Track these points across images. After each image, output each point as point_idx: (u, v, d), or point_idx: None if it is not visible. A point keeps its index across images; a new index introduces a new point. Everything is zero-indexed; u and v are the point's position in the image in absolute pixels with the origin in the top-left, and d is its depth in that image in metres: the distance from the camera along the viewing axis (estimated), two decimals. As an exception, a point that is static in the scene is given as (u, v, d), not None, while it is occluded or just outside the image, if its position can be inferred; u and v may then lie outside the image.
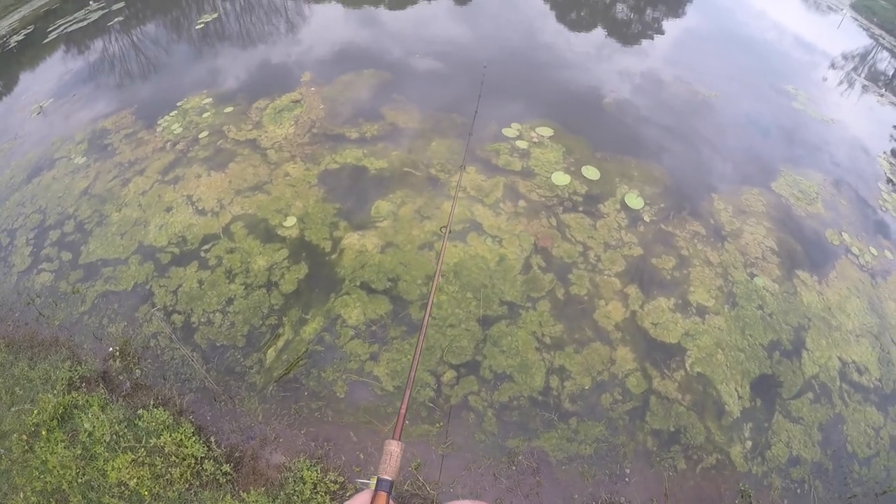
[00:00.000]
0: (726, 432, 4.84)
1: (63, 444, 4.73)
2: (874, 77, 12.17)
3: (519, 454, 4.57)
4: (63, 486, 4.51)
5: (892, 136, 9.64)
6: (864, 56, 13.22)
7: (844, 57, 12.55)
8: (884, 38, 14.67)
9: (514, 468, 4.51)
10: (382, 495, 1.26)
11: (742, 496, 4.56)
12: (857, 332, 5.80)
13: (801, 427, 5.01)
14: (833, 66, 11.70)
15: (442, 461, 4.51)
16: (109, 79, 9.55)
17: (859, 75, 11.81)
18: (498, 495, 4.37)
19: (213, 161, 6.81)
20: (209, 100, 7.94)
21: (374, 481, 1.33)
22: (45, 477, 4.58)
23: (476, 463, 4.52)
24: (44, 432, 4.79)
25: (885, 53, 13.94)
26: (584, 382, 4.93)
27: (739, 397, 5.05)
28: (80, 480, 4.53)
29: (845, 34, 14.32)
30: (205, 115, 7.62)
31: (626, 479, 4.55)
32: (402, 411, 1.62)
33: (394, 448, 1.41)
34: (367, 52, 8.85)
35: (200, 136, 7.24)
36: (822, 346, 5.54)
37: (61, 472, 4.56)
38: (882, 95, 11.01)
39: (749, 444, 4.83)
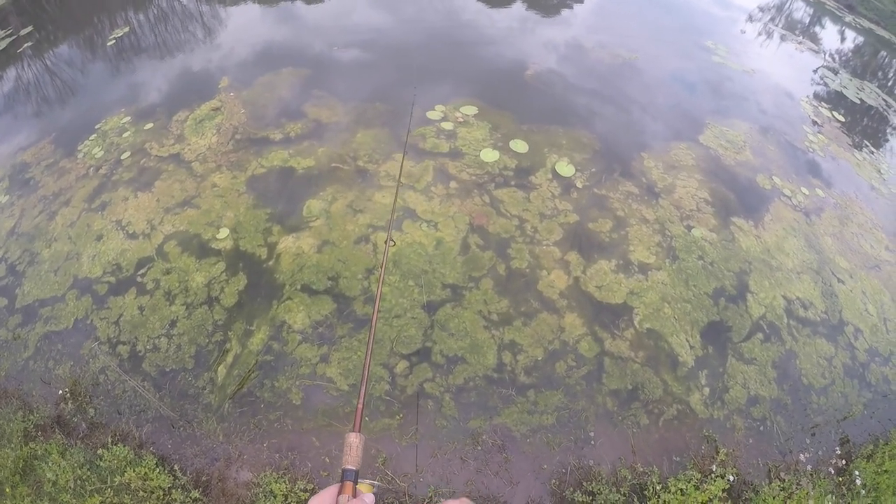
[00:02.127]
0: (683, 382, 4.83)
1: (29, 498, 4.43)
2: (791, 26, 12.37)
3: (482, 434, 4.47)
4: (37, 542, 4.25)
5: (812, 80, 9.78)
6: (779, 7, 13.38)
7: (761, 9, 12.69)
8: None
9: (479, 448, 4.42)
10: (349, 485, 1.31)
11: (707, 441, 4.57)
12: (798, 269, 5.84)
13: (755, 367, 5.04)
14: (751, 18, 11.81)
15: (412, 452, 4.40)
16: (25, 108, 8.92)
17: (777, 26, 11.91)
18: (468, 477, 4.29)
19: (138, 181, 6.41)
20: (128, 118, 7.46)
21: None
22: (15, 536, 4.31)
23: (441, 449, 4.41)
24: (8, 489, 4.48)
25: (800, 3, 14.13)
26: (536, 354, 4.85)
27: (691, 347, 5.04)
28: (50, 534, 4.27)
29: None
30: (125, 134, 7.15)
31: (592, 443, 4.51)
32: (360, 406, 1.67)
33: (353, 440, 1.45)
34: (285, 49, 8.44)
35: (123, 157, 6.80)
36: (766, 287, 5.56)
37: (32, 529, 4.30)
38: (800, 43, 11.14)
39: (707, 390, 4.84)
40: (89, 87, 8.91)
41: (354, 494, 1.33)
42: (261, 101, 7.24)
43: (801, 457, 4.64)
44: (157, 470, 4.31)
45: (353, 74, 7.70)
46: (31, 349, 5.36)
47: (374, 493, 1.41)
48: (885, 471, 4.54)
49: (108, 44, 9.75)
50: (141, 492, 4.24)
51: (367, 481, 1.43)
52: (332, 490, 1.31)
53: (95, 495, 4.30)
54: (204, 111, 7.16)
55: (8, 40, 11.38)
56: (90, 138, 7.30)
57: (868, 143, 8.34)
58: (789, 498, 4.22)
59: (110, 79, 8.89)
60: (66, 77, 9.38)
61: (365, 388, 1.72)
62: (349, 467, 1.39)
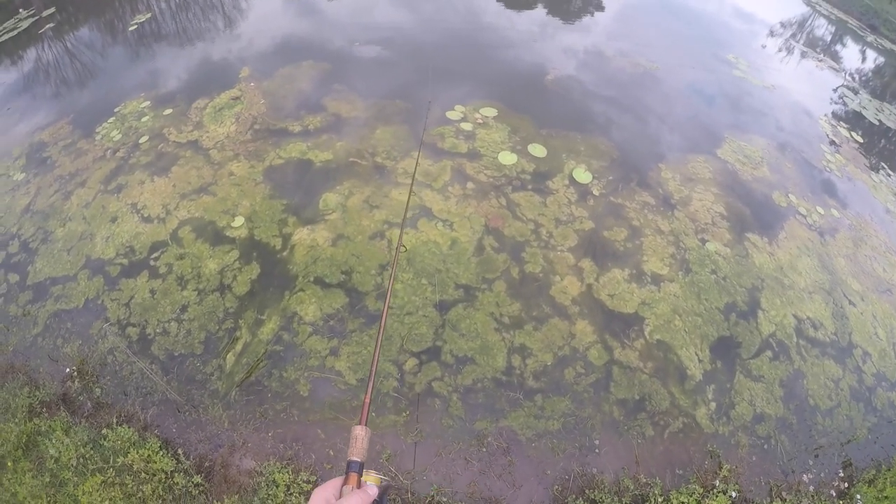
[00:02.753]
0: (690, 396, 4.80)
1: (31, 473, 4.45)
2: (812, 43, 12.27)
3: (488, 436, 4.46)
4: (35, 518, 4.25)
5: (831, 99, 9.70)
6: (801, 23, 13.31)
7: (783, 25, 12.60)
8: (820, 6, 14.74)
9: (484, 450, 4.40)
10: (353, 476, 1.32)
11: (711, 456, 4.54)
12: (810, 289, 5.80)
13: (762, 385, 5.00)
14: (772, 33, 11.73)
15: (417, 449, 4.38)
16: (45, 88, 8.98)
17: (798, 42, 11.85)
18: (471, 479, 4.27)
19: (155, 166, 6.42)
20: (147, 103, 7.49)
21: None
22: (16, 509, 4.31)
23: (446, 448, 4.40)
24: (10, 463, 4.49)
25: (822, 20, 14.01)
26: (545, 359, 4.83)
27: (700, 361, 5.01)
28: (52, 509, 4.27)
29: (783, 2, 14.34)
30: (144, 119, 7.17)
31: (597, 451, 4.49)
32: (367, 400, 1.64)
33: (359, 432, 1.46)
34: (306, 43, 8.45)
35: (141, 141, 6.82)
36: (777, 304, 5.52)
37: (32, 503, 4.29)
38: (821, 60, 11.07)
39: (713, 405, 4.81)
40: (109, 70, 8.94)
41: (359, 485, 1.34)
42: (280, 92, 7.25)
43: (805, 477, 4.61)
44: (161, 453, 4.31)
45: (374, 71, 7.70)
46: (40, 326, 5.38)
47: (382, 488, 1.40)
48: (886, 497, 4.52)
49: (130, 29, 9.81)
50: (143, 473, 4.24)
51: (376, 474, 1.43)
52: (336, 481, 1.32)
53: (97, 474, 4.30)
54: (223, 100, 7.18)
55: (30, 20, 11.47)
56: (109, 121, 7.34)
57: (885, 166, 8.28)
58: None
59: (131, 63, 8.93)
60: (86, 59, 9.43)
61: (372, 383, 1.71)
62: (354, 459, 1.39)
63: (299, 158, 6.26)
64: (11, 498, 4.35)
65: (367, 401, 1.65)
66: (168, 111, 7.22)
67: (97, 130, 7.24)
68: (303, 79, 7.50)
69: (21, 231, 6.22)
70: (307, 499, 4.01)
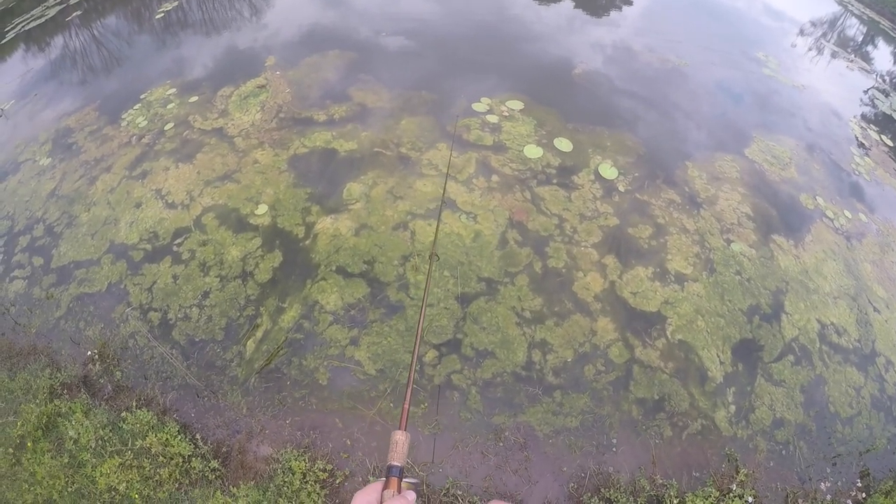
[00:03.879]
0: (710, 398, 4.72)
1: (50, 453, 4.49)
2: (843, 43, 11.96)
3: (505, 430, 4.42)
4: (54, 497, 4.30)
5: (861, 100, 9.46)
6: (832, 22, 13.00)
7: (813, 24, 12.30)
8: (852, 5, 14.42)
9: (501, 444, 4.36)
10: (394, 480, 1.34)
11: (728, 460, 4.47)
12: (835, 294, 5.68)
13: (783, 390, 4.91)
14: (802, 32, 11.47)
15: (434, 441, 4.36)
16: (71, 75, 9.06)
17: (829, 41, 11.57)
18: (487, 473, 4.24)
19: (180, 153, 6.46)
20: (173, 90, 7.53)
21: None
22: (34, 489, 4.36)
23: (463, 441, 4.36)
24: (29, 444, 4.54)
25: (854, 20, 13.71)
26: (566, 355, 4.77)
27: (721, 363, 4.93)
28: (69, 489, 4.31)
29: (814, 1, 14.03)
30: (169, 106, 7.22)
31: (614, 449, 4.43)
32: (406, 406, 1.66)
33: (399, 437, 1.48)
34: (332, 32, 8.41)
35: (166, 128, 6.86)
36: (801, 308, 5.41)
37: (51, 483, 4.34)
38: (851, 61, 10.80)
39: (733, 408, 4.73)
40: (136, 58, 9.00)
41: (399, 490, 1.35)
42: (306, 81, 7.25)
43: (822, 486, 4.54)
44: (179, 437, 4.33)
45: (400, 61, 7.66)
46: (63, 309, 5.43)
47: (415, 491, 1.41)
48: None
49: (156, 17, 9.87)
50: (161, 457, 4.26)
51: (407, 480, 1.43)
52: (377, 486, 1.33)
53: (115, 456, 4.33)
54: (249, 88, 7.20)
55: (57, 8, 11.61)
56: (134, 107, 7.39)
57: None
58: None
59: (157, 51, 8.99)
60: (112, 47, 9.52)
61: (410, 389, 1.74)
62: (395, 464, 1.41)
63: (324, 148, 6.25)
64: (30, 477, 4.41)
65: (407, 406, 1.67)
66: (194, 98, 7.25)
67: (123, 117, 7.29)
68: (328, 68, 7.48)
69: (46, 215, 6.28)
70: (322, 487, 4.06)
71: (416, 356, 1.88)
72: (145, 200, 6.02)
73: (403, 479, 1.41)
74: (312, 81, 7.25)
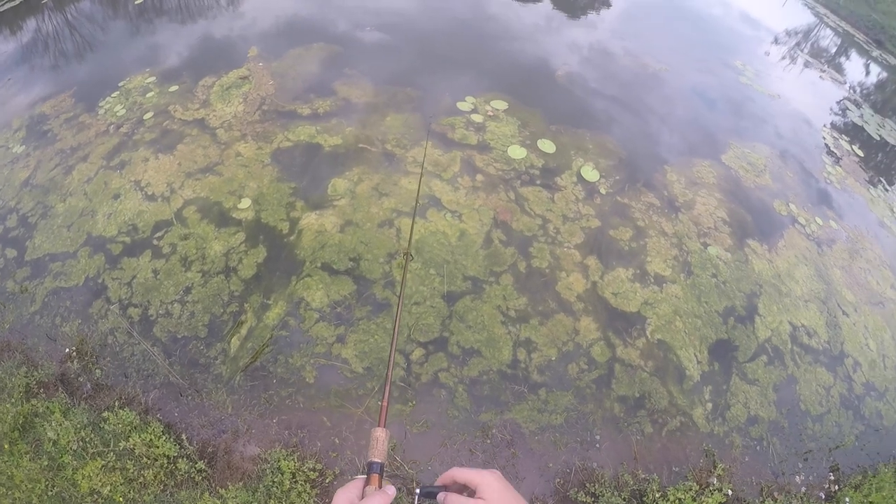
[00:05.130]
0: (688, 396, 4.77)
1: (28, 455, 4.26)
2: (817, 54, 12.17)
3: (492, 427, 4.37)
4: (33, 501, 4.09)
5: (834, 111, 9.63)
6: (807, 33, 13.15)
7: (788, 33, 12.44)
8: (828, 17, 14.63)
9: (488, 441, 4.31)
10: (375, 477, 1.30)
11: (706, 455, 4.52)
12: (806, 297, 5.78)
13: (757, 388, 4.99)
14: (776, 41, 11.56)
15: (422, 440, 4.29)
16: (46, 60, 8.59)
17: (802, 51, 11.73)
18: (475, 469, 4.14)
19: (160, 143, 6.17)
20: (153, 79, 7.19)
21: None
22: (13, 493, 4.12)
23: (451, 439, 4.30)
24: (6, 445, 4.30)
25: (829, 31, 13.90)
26: (550, 353, 4.74)
27: (699, 362, 4.97)
28: (50, 493, 4.10)
29: (790, 11, 14.26)
30: (149, 94, 6.89)
31: (598, 446, 4.43)
32: (384, 404, 1.60)
33: (380, 434, 1.43)
34: (314, 25, 8.14)
35: (145, 117, 6.55)
36: (774, 311, 5.50)
37: (30, 487, 4.12)
38: (824, 71, 10.96)
39: (710, 405, 4.78)
40: (113, 44, 8.58)
41: (381, 486, 1.29)
42: (290, 73, 6.99)
43: (797, 479, 4.63)
44: (163, 438, 4.14)
45: (385, 57, 7.45)
46: (37, 304, 5.15)
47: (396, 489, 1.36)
48: (871, 502, 4.58)
49: (136, 2, 9.41)
50: (145, 458, 4.07)
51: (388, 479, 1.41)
52: (358, 482, 1.27)
53: (97, 458, 4.14)
54: (231, 79, 6.91)
55: (30, -10, 11.00)
56: (112, 95, 7.04)
57: (884, 181, 8.23)
58: None
59: (135, 38, 8.57)
60: (88, 32, 9.06)
61: (389, 388, 1.67)
62: (376, 460, 1.35)
63: (308, 142, 6.04)
64: (8, 481, 4.17)
65: (385, 404, 1.61)
66: (174, 88, 6.93)
67: (100, 104, 6.94)
68: (313, 61, 7.24)
69: (20, 205, 5.95)
70: (312, 486, 3.93)
71: (392, 355, 1.81)
72: (124, 192, 5.74)
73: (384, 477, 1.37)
74: (296, 74, 7.00)
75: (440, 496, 1.20)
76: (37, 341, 4.94)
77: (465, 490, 1.20)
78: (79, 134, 6.57)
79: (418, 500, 1.25)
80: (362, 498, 1.22)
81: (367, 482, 1.28)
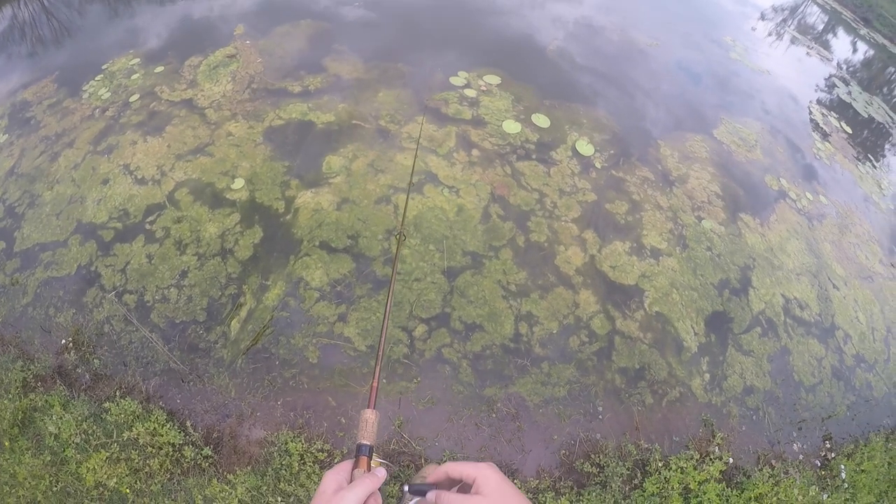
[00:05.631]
0: (686, 367, 4.77)
1: (30, 452, 4.13)
2: (804, 30, 12.11)
3: (497, 401, 4.33)
4: (38, 498, 3.97)
5: (822, 87, 9.62)
6: (794, 10, 13.08)
7: (775, 10, 12.35)
8: None
9: (494, 416, 4.27)
10: (364, 459, 1.26)
11: (705, 425, 4.54)
12: (798, 271, 5.80)
13: (752, 359, 5.01)
14: (763, 17, 11.48)
15: (428, 415, 4.24)
16: (24, 45, 8.31)
17: (789, 27, 11.68)
18: (482, 444, 4.16)
19: (148, 125, 5.97)
20: (137, 60, 6.95)
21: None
22: (16, 491, 4.00)
23: (457, 414, 4.25)
24: (6, 443, 4.17)
25: (816, 8, 13.84)
26: (551, 327, 4.69)
27: (696, 333, 4.97)
28: (55, 489, 3.98)
29: None
30: (134, 76, 6.66)
31: (600, 417, 4.42)
32: (375, 385, 1.59)
33: (369, 416, 1.40)
34: (300, 1, 7.89)
35: (131, 99, 6.33)
36: (767, 284, 5.52)
37: (34, 483, 4.00)
38: (811, 48, 10.93)
39: (707, 376, 4.80)
40: (92, 27, 8.30)
41: (369, 469, 1.25)
42: (278, 51, 6.78)
43: (795, 447, 4.71)
44: (167, 426, 4.03)
45: (373, 32, 7.25)
46: (30, 295, 4.98)
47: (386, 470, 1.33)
48: (863, 470, 4.66)
49: (113, -16, 9.09)
50: (149, 447, 3.97)
51: (379, 460, 1.36)
52: (347, 465, 1.23)
53: (101, 450, 4.02)
54: (218, 57, 6.69)
55: (4, -26, 10.58)
56: (96, 79, 6.80)
57: (871, 158, 8.23)
58: (777, 485, 4.24)
59: (115, 19, 8.28)
60: (68, 14, 8.75)
61: (379, 369, 1.64)
62: (364, 442, 1.32)
63: (300, 119, 5.87)
64: (10, 479, 4.06)
65: (376, 385, 1.58)
66: (159, 69, 6.70)
67: (84, 89, 6.70)
68: (301, 38, 7.03)
69: (6, 195, 5.74)
70: (322, 468, 3.87)
71: (384, 335, 1.76)
72: (113, 176, 5.56)
73: (377, 459, 1.33)
74: (285, 52, 6.79)
75: (430, 495, 1.11)
76: (31, 334, 4.78)
77: (458, 486, 1.14)
78: (63, 119, 6.35)
79: (406, 498, 1.20)
80: (352, 480, 1.18)
81: (356, 464, 1.25)
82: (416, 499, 1.18)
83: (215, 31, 7.30)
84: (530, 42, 7.58)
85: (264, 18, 7.47)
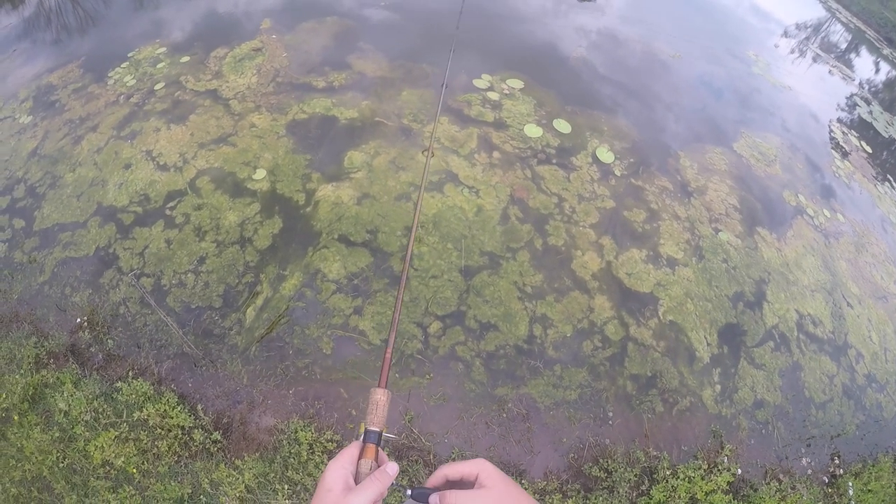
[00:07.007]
0: (698, 377, 4.74)
1: (38, 427, 4.11)
2: (827, 48, 12.03)
3: (508, 402, 4.30)
4: (44, 473, 3.95)
5: (844, 106, 9.55)
6: (817, 27, 12.98)
7: (798, 27, 12.28)
8: (840, 13, 14.45)
9: (504, 415, 4.24)
10: (371, 447, 1.10)
11: (714, 436, 4.49)
12: (812, 287, 5.75)
13: (763, 373, 4.96)
14: (786, 34, 11.42)
15: (439, 412, 4.22)
16: (52, 31, 8.36)
17: (812, 45, 11.62)
18: (491, 443, 4.13)
19: (171, 113, 5.99)
20: (163, 49, 6.99)
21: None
22: (23, 465, 3.99)
23: (468, 412, 4.22)
24: (15, 417, 4.15)
25: (839, 27, 13.75)
26: (565, 330, 4.67)
27: (708, 344, 4.93)
28: (61, 465, 3.96)
29: (802, 4, 14.10)
30: (159, 65, 6.70)
31: (610, 422, 4.39)
32: (388, 356, 1.39)
33: (380, 397, 1.20)
34: (328, -1, 7.93)
35: (156, 87, 6.36)
36: (781, 298, 5.47)
37: (40, 458, 3.98)
38: (834, 66, 10.88)
39: (718, 387, 4.76)
40: (121, 15, 8.36)
41: (377, 459, 1.10)
42: (303, 47, 6.81)
43: (804, 462, 4.64)
44: (178, 408, 4.01)
45: (398, 32, 7.28)
46: (47, 274, 4.99)
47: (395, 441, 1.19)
48: (870, 490, 4.59)
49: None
50: (159, 429, 3.95)
51: (387, 435, 1.20)
52: (351, 453, 1.08)
53: (110, 429, 4.00)
54: (244, 50, 6.71)
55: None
56: (122, 66, 6.83)
57: (891, 178, 8.17)
58: (783, 500, 4.18)
59: (144, 9, 8.36)
60: (93, 3, 8.80)
61: (394, 337, 1.45)
62: (373, 429, 1.14)
63: (323, 114, 5.88)
64: (18, 453, 4.04)
65: (388, 356, 1.38)
66: (185, 59, 6.73)
67: (109, 75, 6.73)
68: (326, 35, 7.05)
69: (27, 175, 5.76)
70: (330, 458, 3.85)
71: (399, 302, 1.64)
72: (135, 162, 5.57)
73: (383, 438, 1.15)
74: (310, 47, 6.82)
75: (433, 497, 1.02)
76: (46, 312, 4.78)
77: (458, 486, 1.06)
78: (88, 104, 6.38)
79: (408, 502, 1.06)
80: (357, 472, 1.07)
81: (363, 454, 1.09)
82: None
83: (242, 24, 7.34)
84: (553, 49, 7.58)
85: (290, 14, 7.50)
